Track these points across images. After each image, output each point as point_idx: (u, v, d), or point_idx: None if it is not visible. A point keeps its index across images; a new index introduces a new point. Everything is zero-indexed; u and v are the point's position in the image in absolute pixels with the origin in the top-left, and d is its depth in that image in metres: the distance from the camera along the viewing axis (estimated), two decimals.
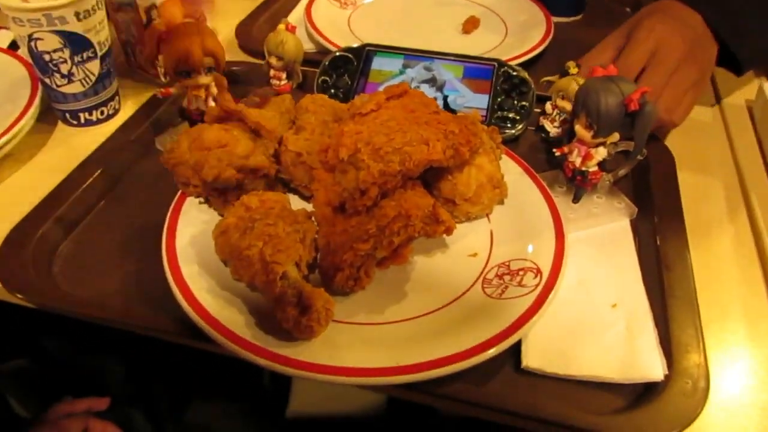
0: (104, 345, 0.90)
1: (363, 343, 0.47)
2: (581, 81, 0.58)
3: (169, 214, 0.56)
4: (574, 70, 0.65)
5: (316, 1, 0.93)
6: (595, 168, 0.60)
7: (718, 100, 0.82)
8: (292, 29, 0.69)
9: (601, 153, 0.59)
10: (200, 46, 0.60)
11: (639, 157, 0.59)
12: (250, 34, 0.89)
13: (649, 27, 0.71)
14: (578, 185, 0.62)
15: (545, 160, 0.69)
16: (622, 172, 0.64)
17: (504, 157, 0.62)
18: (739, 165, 0.70)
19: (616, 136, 0.57)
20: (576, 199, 0.63)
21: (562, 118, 0.68)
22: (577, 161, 0.60)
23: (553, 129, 0.69)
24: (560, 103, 0.67)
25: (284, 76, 0.71)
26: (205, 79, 0.63)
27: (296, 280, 0.47)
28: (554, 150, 0.62)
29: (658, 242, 0.58)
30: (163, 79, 0.65)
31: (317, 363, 0.44)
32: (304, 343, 0.46)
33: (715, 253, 0.60)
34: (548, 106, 0.69)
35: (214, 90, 0.65)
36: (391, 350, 0.46)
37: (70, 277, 0.56)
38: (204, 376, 0.95)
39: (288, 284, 0.46)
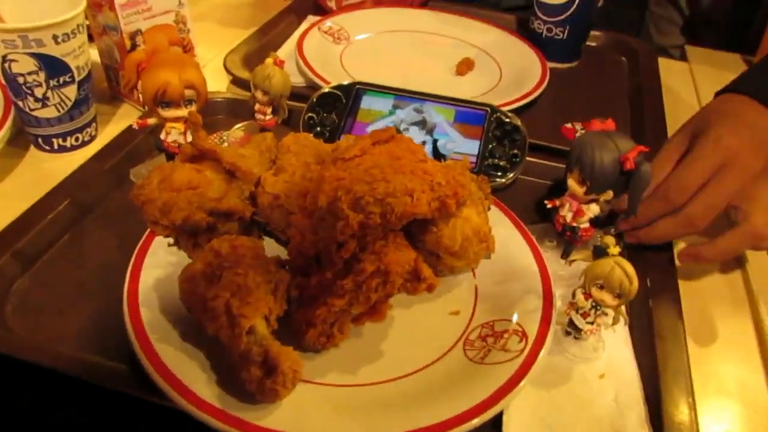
0: (60, 393, 0.85)
1: (332, 407, 0.44)
2: (627, 267, 0.46)
3: (134, 254, 0.53)
4: (614, 250, 0.47)
5: (308, 34, 0.91)
6: (587, 225, 0.57)
7: None
8: (280, 64, 0.66)
9: (593, 210, 0.56)
10: (180, 78, 0.57)
11: (630, 216, 0.56)
12: (239, 64, 0.87)
13: (715, 138, 0.59)
14: (567, 241, 0.59)
15: (534, 210, 0.67)
16: (613, 231, 0.61)
17: (492, 207, 0.59)
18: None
19: (609, 194, 0.54)
20: (565, 255, 0.60)
21: (598, 313, 0.49)
22: (568, 216, 0.57)
23: (586, 326, 0.50)
24: (597, 294, 0.47)
25: (269, 110, 0.68)
26: (184, 111, 0.60)
27: (263, 337, 0.43)
28: (546, 202, 0.59)
29: (651, 307, 0.55)
30: (140, 108, 0.62)
31: (280, 430, 0.41)
32: (269, 406, 0.42)
33: (708, 321, 0.57)
34: (579, 296, 0.49)
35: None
36: (362, 418, 0.43)
37: (24, 319, 0.52)
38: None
39: (254, 341, 0.43)
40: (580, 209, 0.56)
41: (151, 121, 0.61)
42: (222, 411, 0.41)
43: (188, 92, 0.58)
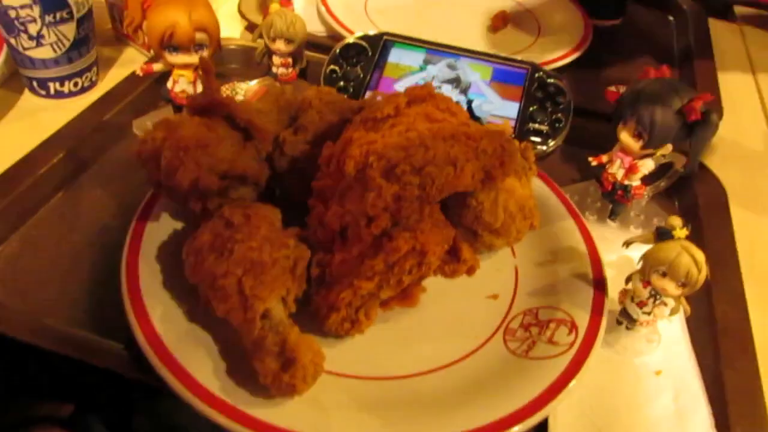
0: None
1: (356, 404, 0.39)
2: (697, 253, 0.40)
3: (135, 218, 0.47)
4: (681, 233, 0.41)
5: None
6: (639, 182, 0.52)
7: None
8: (287, 3, 0.60)
9: (648, 166, 0.52)
10: (190, 18, 0.50)
11: (689, 172, 0.53)
12: (255, 8, 0.79)
13: None
14: (618, 201, 0.54)
15: (577, 180, 0.60)
16: (663, 184, 0.56)
17: (534, 178, 0.53)
18: None
19: (668, 148, 0.50)
20: (614, 216, 0.56)
21: (657, 303, 0.43)
22: (619, 174, 0.52)
23: (642, 317, 0.44)
24: (658, 282, 0.41)
25: (292, 61, 0.61)
26: (194, 57, 0.54)
27: (280, 322, 0.37)
28: (590, 159, 0.54)
29: (713, 296, 0.49)
30: (146, 53, 0.56)
31: (295, 431, 0.35)
32: (285, 401, 0.37)
33: None
34: (637, 283, 0.43)
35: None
36: (392, 419, 0.37)
37: (10, 286, 0.46)
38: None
39: (270, 326, 0.37)
40: (634, 165, 0.51)
41: (157, 67, 0.55)
42: (230, 406, 0.36)
43: (199, 35, 0.52)
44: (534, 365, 0.41)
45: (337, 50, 0.66)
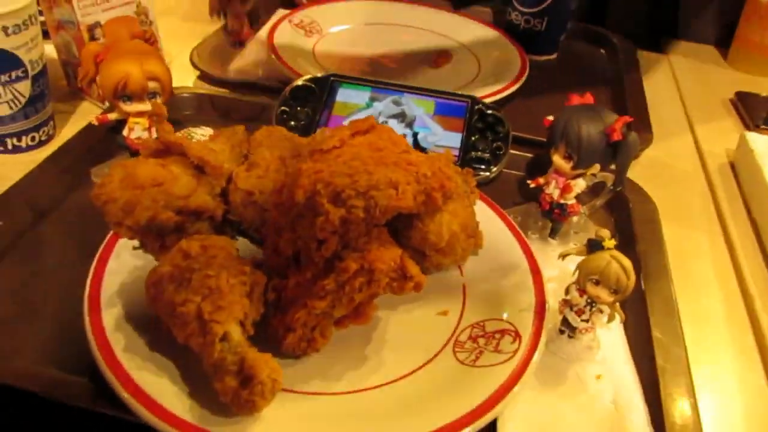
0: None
1: (317, 419, 0.40)
2: (624, 261, 0.43)
3: (96, 258, 0.48)
4: (610, 243, 0.44)
5: (279, 27, 0.87)
6: (574, 201, 0.56)
7: (698, 147, 0.78)
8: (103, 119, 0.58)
9: (580, 185, 0.55)
10: (142, 68, 0.53)
11: (618, 189, 0.57)
12: (207, 59, 0.83)
13: None
14: (556, 219, 0.58)
15: (519, 202, 0.64)
16: (598, 203, 0.60)
17: (478, 201, 0.56)
18: (724, 221, 0.65)
19: (596, 167, 0.54)
20: (553, 234, 0.59)
21: (593, 311, 0.46)
22: (555, 193, 0.56)
23: (581, 324, 0.47)
24: (592, 290, 0.44)
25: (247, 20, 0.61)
26: (148, 105, 0.56)
27: (238, 344, 0.39)
28: (529, 182, 0.58)
29: (647, 301, 0.53)
30: (101, 106, 0.58)
31: None
32: (245, 419, 0.39)
33: (705, 316, 0.55)
34: (574, 292, 0.46)
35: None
36: (350, 429, 0.39)
37: None
38: None
39: (228, 348, 0.39)
40: (567, 185, 0.55)
41: (113, 116, 0.57)
42: (194, 426, 0.38)
43: (152, 84, 0.55)
44: (481, 372, 0.44)
45: (287, 92, 0.69)
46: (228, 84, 0.79)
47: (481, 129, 0.67)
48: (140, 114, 0.57)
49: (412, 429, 0.39)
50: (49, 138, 0.69)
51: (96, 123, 0.58)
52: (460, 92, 0.71)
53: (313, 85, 0.70)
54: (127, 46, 0.55)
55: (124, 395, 0.39)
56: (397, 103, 0.69)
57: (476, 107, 0.69)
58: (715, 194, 0.69)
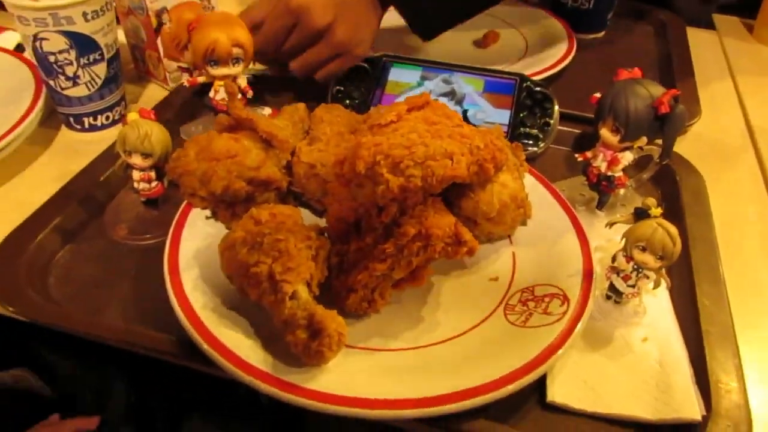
0: (105, 358, 0.86)
1: (378, 371, 0.44)
2: (670, 228, 0.45)
3: (173, 226, 0.53)
4: (656, 211, 0.46)
5: None
6: (621, 173, 0.58)
7: (747, 121, 0.78)
8: (148, 114, 0.55)
9: (627, 157, 0.57)
10: (228, 36, 0.58)
11: (665, 162, 0.58)
12: None
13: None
14: (603, 191, 0.60)
15: (566, 177, 0.66)
16: (645, 176, 0.62)
17: (526, 175, 0.59)
18: None
19: (644, 140, 0.55)
20: (600, 206, 0.61)
21: (639, 276, 0.48)
22: (602, 166, 0.58)
23: (627, 289, 0.49)
24: (639, 256, 0.46)
25: (154, 175, 0.56)
26: (232, 69, 0.61)
27: (307, 302, 0.43)
28: (576, 155, 0.60)
29: (693, 270, 0.54)
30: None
31: (328, 392, 0.41)
32: (315, 369, 0.42)
33: (751, 285, 0.56)
34: (621, 259, 0.48)
35: (242, 82, 0.64)
36: (408, 381, 0.42)
37: (66, 290, 0.52)
38: (202, 393, 0.91)
39: (298, 305, 0.43)
40: (615, 158, 0.56)
41: (201, 79, 0.62)
42: (269, 374, 0.42)
43: (236, 50, 0.60)
44: (532, 332, 0.46)
45: (342, 73, 0.72)
46: (286, 64, 0.82)
47: (530, 106, 0.69)
48: (225, 77, 0.62)
49: (468, 381, 0.42)
50: (122, 117, 0.73)
51: (187, 84, 0.63)
52: (508, 71, 0.73)
53: (366, 65, 0.73)
54: (215, 17, 0.60)
55: (205, 347, 0.43)
56: (447, 81, 0.72)
57: (524, 84, 0.71)
58: (764, 168, 0.70)
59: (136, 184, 0.57)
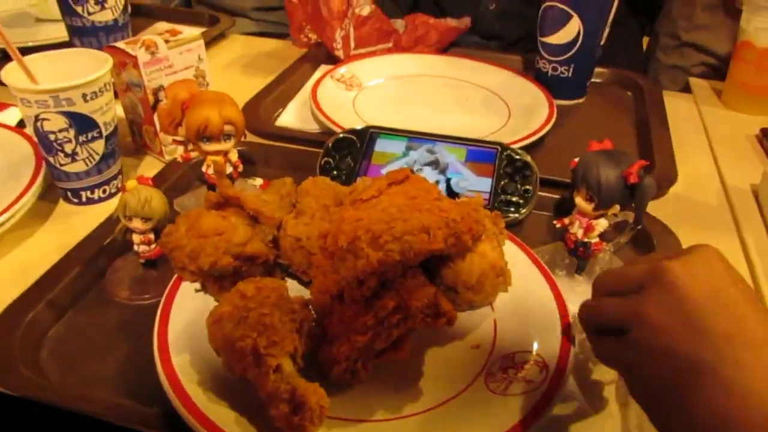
0: None
1: None
2: None
3: (163, 299, 0.54)
4: None
5: (322, 82, 0.95)
6: (597, 239, 0.60)
7: (723, 183, 0.81)
8: (146, 181, 0.59)
9: (602, 224, 0.59)
10: (221, 114, 0.61)
11: (638, 227, 0.60)
12: (256, 113, 0.90)
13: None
14: (580, 256, 0.61)
15: (547, 241, 0.68)
16: (623, 240, 0.64)
17: (507, 242, 0.61)
18: (749, 254, 0.68)
19: (616, 208, 0.58)
20: (579, 270, 0.63)
21: None
22: (579, 233, 0.60)
23: None
24: None
25: (153, 238, 0.60)
26: (224, 145, 0.64)
27: (290, 375, 0.45)
28: (554, 222, 0.62)
29: None
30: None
31: None
32: None
33: None
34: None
35: (233, 156, 0.67)
36: None
37: (58, 365, 0.54)
38: None
39: (281, 378, 0.44)
40: (590, 225, 0.59)
41: (194, 154, 0.65)
42: None
43: (227, 128, 0.63)
44: (511, 400, 0.47)
45: (330, 144, 0.75)
46: (275, 136, 0.86)
47: (510, 173, 0.72)
48: (217, 153, 0.65)
49: None
50: (118, 190, 0.76)
51: (180, 160, 0.67)
52: (489, 139, 0.76)
53: (353, 137, 0.76)
54: (208, 96, 0.63)
55: (192, 422, 0.44)
56: (431, 151, 0.75)
57: (505, 153, 0.74)
58: (740, 229, 0.72)
59: (136, 247, 0.60)
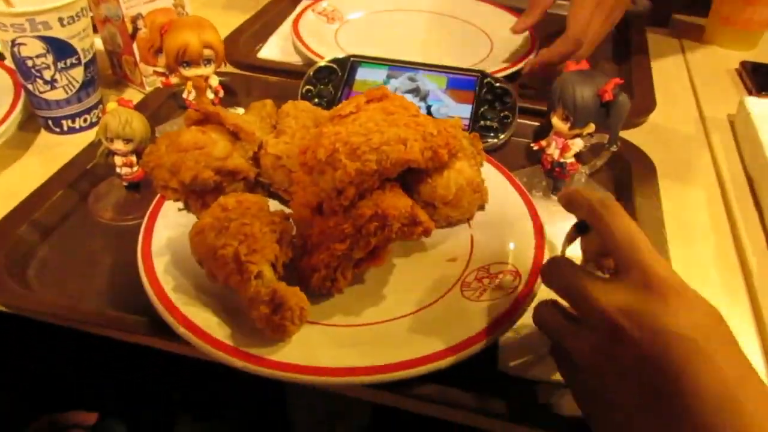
0: (95, 359, 0.88)
1: (338, 344, 0.47)
2: None
3: (146, 217, 0.55)
4: None
5: (303, 16, 0.94)
6: (573, 159, 0.61)
7: (700, 113, 0.82)
8: (127, 103, 0.59)
9: (578, 144, 0.60)
10: (199, 38, 0.61)
11: (613, 149, 0.61)
12: (237, 46, 0.90)
13: None
14: (556, 177, 0.63)
15: (526, 166, 0.70)
16: (598, 163, 0.65)
17: (485, 163, 0.62)
18: (722, 177, 0.70)
19: (591, 127, 0.59)
20: (555, 191, 0.64)
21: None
22: (555, 153, 0.61)
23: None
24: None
25: (135, 160, 0.60)
26: (204, 70, 0.64)
27: (270, 280, 0.46)
28: (532, 144, 0.63)
29: None
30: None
31: (289, 362, 0.44)
32: (279, 343, 0.45)
33: (696, 261, 0.59)
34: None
35: (213, 81, 0.66)
36: (366, 350, 0.45)
37: (45, 281, 0.55)
38: (193, 395, 0.94)
39: (262, 284, 0.45)
40: (566, 145, 0.60)
41: (174, 80, 0.65)
42: (236, 349, 0.44)
43: (207, 52, 0.63)
44: (485, 305, 0.49)
45: (311, 72, 0.75)
46: (257, 68, 0.86)
47: (490, 100, 0.73)
48: (198, 78, 0.65)
49: (423, 350, 0.45)
50: (99, 120, 0.76)
51: (161, 86, 0.66)
52: (470, 68, 0.77)
53: (335, 66, 0.76)
54: (186, 20, 0.63)
55: (175, 325, 0.46)
56: (412, 79, 0.75)
57: (485, 81, 0.74)
58: (715, 155, 0.73)
59: (118, 169, 0.61)
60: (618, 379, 0.36)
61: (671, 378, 0.33)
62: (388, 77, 0.76)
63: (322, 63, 0.76)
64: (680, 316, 0.35)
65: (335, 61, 0.77)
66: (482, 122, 0.71)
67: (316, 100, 0.73)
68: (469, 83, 0.74)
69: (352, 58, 0.77)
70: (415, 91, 0.74)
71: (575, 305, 0.41)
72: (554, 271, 0.43)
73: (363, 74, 0.76)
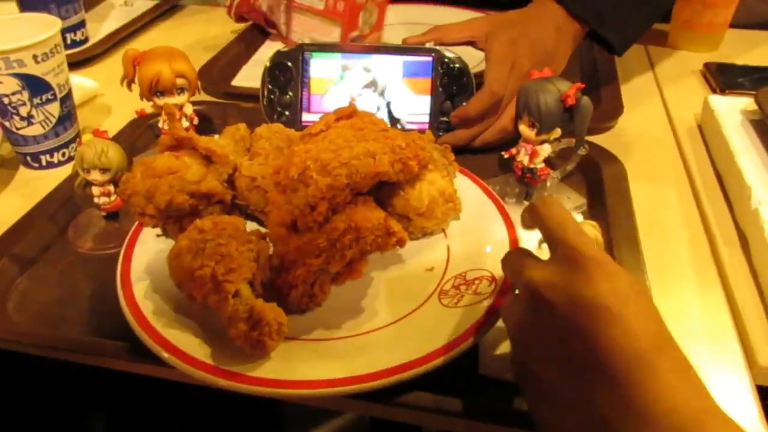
0: (87, 395, 0.88)
1: (319, 357, 0.47)
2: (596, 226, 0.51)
3: (125, 244, 0.56)
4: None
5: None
6: (542, 165, 0.63)
7: (668, 114, 0.84)
8: (102, 134, 0.60)
9: (545, 149, 0.62)
10: (171, 68, 0.63)
11: (581, 152, 0.63)
12: (212, 76, 0.91)
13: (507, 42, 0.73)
14: (528, 183, 0.64)
15: (497, 166, 0.72)
16: (569, 167, 0.67)
17: (458, 174, 0.63)
18: (691, 173, 0.71)
19: (557, 132, 0.60)
20: (528, 197, 0.66)
21: None
22: (525, 160, 0.63)
23: None
24: None
25: (113, 189, 0.61)
26: (178, 99, 0.66)
27: (248, 298, 0.46)
28: (503, 152, 0.65)
29: (614, 244, 0.59)
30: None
31: (269, 378, 0.44)
32: (259, 360, 0.46)
33: (670, 256, 0.60)
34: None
35: (188, 110, 0.68)
36: (345, 362, 0.46)
37: (25, 313, 0.55)
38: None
39: (240, 302, 0.46)
40: (534, 151, 0.62)
41: (149, 109, 0.66)
42: (216, 367, 0.45)
43: (180, 81, 0.64)
44: (463, 311, 0.50)
45: (266, 74, 0.74)
46: (231, 95, 0.87)
47: (447, 84, 0.73)
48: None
49: (403, 357, 0.45)
50: (78, 142, 0.77)
51: (136, 116, 0.68)
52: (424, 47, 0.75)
53: (287, 62, 0.74)
54: (158, 50, 0.64)
55: (157, 349, 0.46)
56: (367, 69, 0.75)
57: (442, 61, 0.73)
58: (684, 154, 0.75)
59: (96, 200, 0.61)
60: (541, 350, 0.38)
61: (590, 344, 0.35)
62: (343, 69, 0.75)
63: (273, 59, 0.74)
64: (599, 286, 0.36)
65: (286, 55, 0.74)
66: (442, 118, 0.73)
67: (279, 108, 0.74)
68: (426, 67, 0.74)
69: (303, 48, 0.75)
70: (373, 86, 0.75)
71: (515, 284, 0.44)
72: (506, 257, 0.47)
73: (317, 69, 0.75)
